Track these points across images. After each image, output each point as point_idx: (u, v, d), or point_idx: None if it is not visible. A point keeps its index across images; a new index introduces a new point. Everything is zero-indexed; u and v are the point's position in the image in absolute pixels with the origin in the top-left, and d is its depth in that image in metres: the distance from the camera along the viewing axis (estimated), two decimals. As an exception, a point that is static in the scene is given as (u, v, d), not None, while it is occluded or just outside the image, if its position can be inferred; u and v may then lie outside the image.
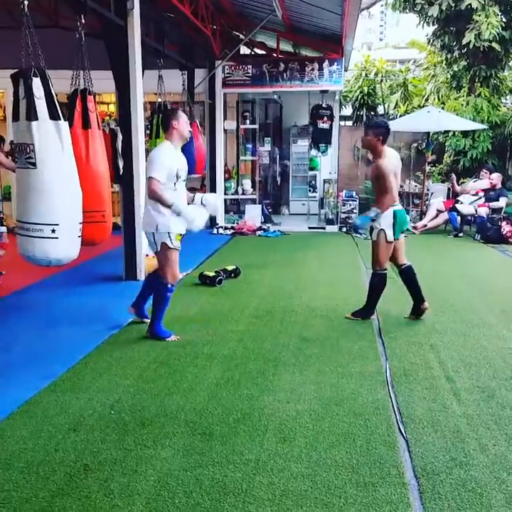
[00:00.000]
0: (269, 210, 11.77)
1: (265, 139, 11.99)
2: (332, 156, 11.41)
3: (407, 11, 13.22)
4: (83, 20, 4.88)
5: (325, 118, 10.85)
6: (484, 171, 10.50)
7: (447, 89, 13.68)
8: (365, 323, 4.97)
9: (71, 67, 4.81)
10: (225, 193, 11.04)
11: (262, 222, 10.81)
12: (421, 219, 10.97)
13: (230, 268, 6.66)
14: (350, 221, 10.40)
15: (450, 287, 6.28)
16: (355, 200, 10.83)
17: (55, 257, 3.85)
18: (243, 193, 11.40)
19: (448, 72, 13.42)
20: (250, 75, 10.38)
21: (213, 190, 10.56)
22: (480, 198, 10.09)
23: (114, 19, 5.79)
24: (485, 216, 9.79)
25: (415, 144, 13.62)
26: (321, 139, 10.97)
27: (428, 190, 11.86)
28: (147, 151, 6.84)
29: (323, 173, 11.65)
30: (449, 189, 12.14)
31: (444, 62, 13.42)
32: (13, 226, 6.80)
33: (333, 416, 3.21)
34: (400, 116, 14.12)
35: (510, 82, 13.11)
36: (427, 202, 11.51)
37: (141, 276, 6.41)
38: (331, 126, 10.89)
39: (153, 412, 3.24)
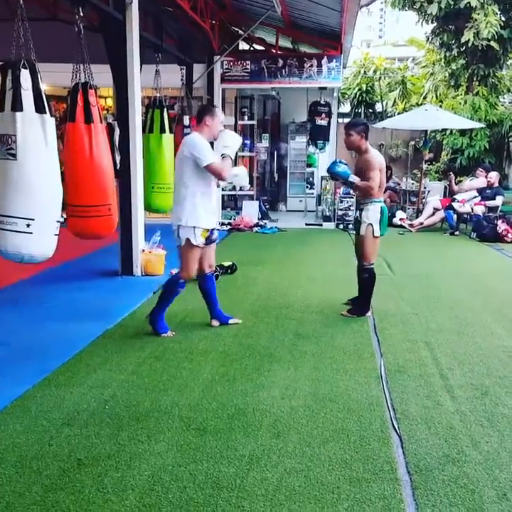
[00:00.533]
0: (267, 207, 11.77)
1: (263, 135, 11.98)
2: (330, 153, 11.41)
3: (407, 8, 13.21)
4: (82, 14, 4.86)
5: (323, 115, 10.85)
6: (480, 169, 10.52)
7: (445, 88, 13.68)
8: (361, 320, 4.98)
9: (72, 61, 4.79)
10: (222, 189, 11.03)
11: (259, 219, 10.81)
12: (417, 217, 10.98)
13: (226, 264, 6.66)
14: (346, 218, 10.39)
15: (445, 285, 6.29)
16: (352, 197, 10.83)
17: (27, 253, 3.69)
18: (240, 189, 11.40)
19: (446, 70, 13.42)
20: (249, 70, 10.36)
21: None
22: (476, 196, 10.11)
23: (112, 13, 5.76)
24: (481, 214, 9.81)
25: (413, 142, 13.64)
26: (319, 135, 10.96)
27: (425, 188, 11.87)
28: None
29: (321, 169, 11.65)
30: (445, 187, 12.16)
31: (443, 60, 13.40)
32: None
33: (328, 412, 3.22)
34: (398, 113, 14.11)
35: (508, 81, 13.10)
36: (423, 200, 11.52)
37: (138, 271, 6.41)
38: (329, 123, 10.88)
39: (148, 407, 3.24)
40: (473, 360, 4.07)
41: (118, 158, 5.97)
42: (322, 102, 10.86)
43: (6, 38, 3.79)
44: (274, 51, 10.68)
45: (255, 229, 10.22)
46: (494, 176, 10.09)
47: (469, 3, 11.26)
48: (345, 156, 11.35)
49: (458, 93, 12.97)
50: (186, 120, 8.18)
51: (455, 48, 12.62)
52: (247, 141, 11.45)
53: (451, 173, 10.99)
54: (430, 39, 13.33)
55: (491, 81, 12.46)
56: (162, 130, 6.88)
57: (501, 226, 9.37)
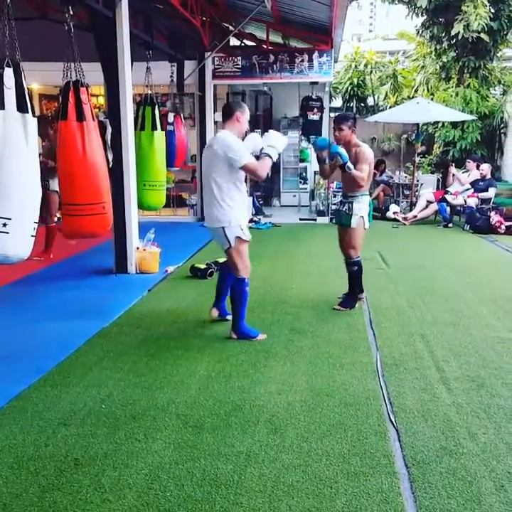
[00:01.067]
0: (260, 202, 11.75)
1: (255, 130, 11.94)
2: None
3: (396, 2, 13.22)
4: (71, 12, 4.83)
5: (315, 109, 10.82)
6: (468, 160, 10.55)
7: (436, 81, 13.69)
8: (356, 314, 4.98)
9: (64, 60, 4.76)
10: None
11: (253, 214, 10.79)
12: (411, 210, 11.00)
13: (221, 260, 6.62)
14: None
15: (440, 277, 6.30)
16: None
17: (2, 253, 3.59)
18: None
19: (437, 63, 13.43)
20: (240, 66, 10.32)
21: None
22: (468, 188, 10.14)
23: (102, 11, 5.73)
24: (474, 206, 9.84)
25: (405, 135, 13.64)
26: (311, 130, 10.93)
27: (418, 181, 11.88)
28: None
29: (314, 164, 11.63)
30: (438, 180, 12.18)
31: (433, 53, 13.42)
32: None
33: (324, 406, 3.23)
34: (390, 107, 14.13)
35: (498, 73, 13.13)
36: (416, 193, 11.54)
37: (132, 269, 6.39)
38: (321, 117, 10.85)
39: (144, 406, 3.24)
40: (469, 351, 4.08)
41: (110, 156, 5.95)
42: (314, 96, 10.83)
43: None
44: (264, 46, 10.65)
45: (249, 225, 10.18)
46: (486, 168, 10.11)
47: (459, -5, 11.29)
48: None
49: (449, 86, 12.99)
50: (170, 117, 8.15)
51: (445, 41, 12.64)
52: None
53: (452, 164, 10.98)
54: (420, 32, 13.35)
55: (481, 73, 12.49)
56: (154, 127, 6.85)
57: (494, 218, 9.39)
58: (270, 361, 3.90)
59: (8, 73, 3.57)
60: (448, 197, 10.16)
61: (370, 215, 5.06)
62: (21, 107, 3.62)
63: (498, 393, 3.40)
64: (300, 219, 10.97)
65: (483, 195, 9.91)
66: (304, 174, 12.61)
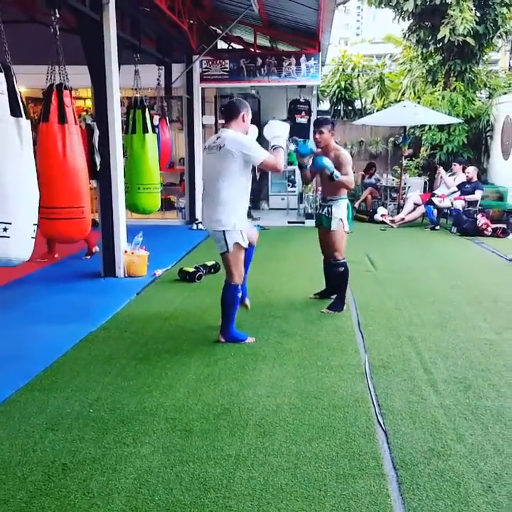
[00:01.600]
0: (249, 205, 11.75)
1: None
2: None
3: (383, 5, 13.28)
4: (58, 15, 4.81)
5: (303, 113, 10.86)
6: (454, 164, 10.65)
7: (423, 84, 13.78)
8: (345, 316, 5.00)
9: (48, 63, 4.74)
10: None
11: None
12: (398, 212, 11.06)
13: (209, 263, 6.65)
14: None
15: (427, 279, 6.34)
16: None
17: (4, 257, 3.63)
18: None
19: (423, 66, 13.52)
20: (228, 69, 10.34)
21: (192, 185, 10.52)
22: (455, 191, 10.22)
23: (89, 13, 5.72)
24: (461, 209, 9.91)
25: (392, 139, 13.72)
26: (299, 133, 10.95)
27: (405, 184, 11.96)
28: (123, 146, 6.80)
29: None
30: (425, 183, 12.26)
31: (420, 56, 13.51)
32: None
33: (313, 409, 3.23)
34: (377, 110, 14.21)
35: (484, 77, 13.24)
36: (404, 196, 11.61)
37: (120, 273, 6.37)
38: (308, 121, 10.88)
39: (133, 410, 3.22)
40: (456, 353, 4.11)
41: (98, 160, 5.93)
42: (301, 100, 10.87)
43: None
44: (252, 50, 10.67)
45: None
46: (472, 171, 10.20)
47: (445, -1, 11.38)
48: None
49: (435, 89, 13.08)
50: (155, 120, 8.15)
51: (432, 44, 12.73)
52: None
53: (441, 167, 11.06)
54: (407, 36, 13.44)
55: (467, 76, 12.59)
56: (145, 130, 6.83)
57: (481, 220, 9.47)
58: (259, 364, 3.90)
59: (0, 78, 3.56)
60: (435, 199, 10.23)
61: (350, 218, 5.13)
62: (15, 111, 3.60)
63: (485, 394, 3.42)
64: (288, 222, 11.00)
65: (470, 197, 9.99)
66: (292, 177, 12.64)
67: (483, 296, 5.60)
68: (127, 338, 4.43)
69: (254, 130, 4.38)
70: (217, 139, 4.13)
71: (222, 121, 11.89)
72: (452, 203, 10.07)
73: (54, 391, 3.47)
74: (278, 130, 4.28)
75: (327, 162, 4.81)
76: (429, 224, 10.24)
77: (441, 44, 12.28)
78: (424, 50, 13.12)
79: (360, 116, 14.61)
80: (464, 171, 10.39)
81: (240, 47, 11.50)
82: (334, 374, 3.73)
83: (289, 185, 12.52)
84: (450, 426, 3.05)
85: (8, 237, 3.59)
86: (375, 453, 2.78)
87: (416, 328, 4.66)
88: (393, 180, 12.33)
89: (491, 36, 12.36)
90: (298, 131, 10.95)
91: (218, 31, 10.75)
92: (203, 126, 11.02)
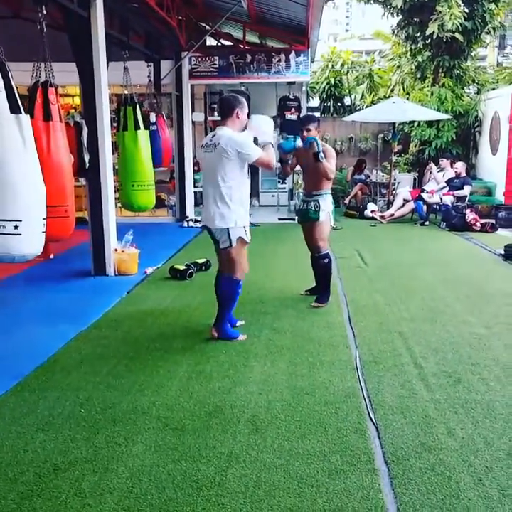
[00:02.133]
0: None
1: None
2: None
3: (372, 1, 13.29)
4: (44, 12, 4.78)
5: (292, 109, 10.86)
6: (442, 159, 10.70)
7: (412, 80, 13.81)
8: (335, 312, 5.01)
9: (33, 59, 4.71)
10: (195, 186, 10.98)
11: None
12: (388, 208, 11.09)
13: (200, 261, 6.63)
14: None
15: (417, 275, 6.37)
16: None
17: (18, 253, 3.71)
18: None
19: (412, 62, 13.54)
20: (217, 66, 10.31)
21: (182, 182, 10.49)
22: (444, 186, 10.27)
23: (76, 10, 5.68)
24: (450, 204, 9.96)
25: (381, 135, 13.74)
26: (289, 130, 10.96)
27: (395, 180, 11.99)
28: (114, 144, 6.77)
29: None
30: (415, 179, 12.30)
31: (409, 52, 13.53)
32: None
33: (305, 405, 3.24)
34: (366, 107, 14.19)
35: (472, 72, 13.29)
36: (393, 191, 11.64)
37: (111, 271, 6.35)
38: (298, 117, 10.89)
39: (124, 409, 3.22)
40: (446, 348, 4.13)
41: (87, 157, 5.90)
42: (291, 96, 10.88)
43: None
44: (241, 46, 10.65)
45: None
46: (460, 166, 10.25)
47: (433, -5, 11.41)
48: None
49: (424, 85, 13.10)
50: (153, 117, 8.11)
51: (420, 41, 12.76)
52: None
53: (432, 163, 11.09)
54: (396, 32, 13.45)
55: (456, 72, 12.62)
56: (136, 127, 6.79)
57: (470, 215, 9.51)
58: (250, 361, 3.90)
59: None
60: (424, 195, 10.27)
61: (334, 213, 5.26)
62: (13, 108, 3.59)
63: (475, 388, 3.45)
64: (279, 219, 11.00)
65: (459, 193, 10.04)
66: (283, 174, 12.62)
67: (472, 291, 5.63)
68: (118, 337, 4.41)
69: (263, 121, 4.40)
70: (213, 136, 4.14)
71: (212, 118, 11.89)
72: (441, 199, 10.12)
73: (44, 391, 3.45)
74: (264, 127, 4.30)
75: (318, 139, 4.90)
76: (419, 219, 10.28)
77: (429, 40, 12.30)
78: (413, 46, 13.14)
79: (349, 112, 14.61)
80: (452, 167, 10.44)
81: (229, 43, 11.48)
82: (325, 370, 3.74)
83: (279, 182, 12.51)
84: (441, 420, 3.06)
85: (20, 234, 3.65)
86: (367, 448, 2.79)
87: (406, 324, 4.68)
88: (383, 176, 12.36)
89: (479, 32, 12.39)
90: (288, 128, 10.97)
91: (207, 28, 10.71)
92: (193, 123, 10.99)
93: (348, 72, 15.93)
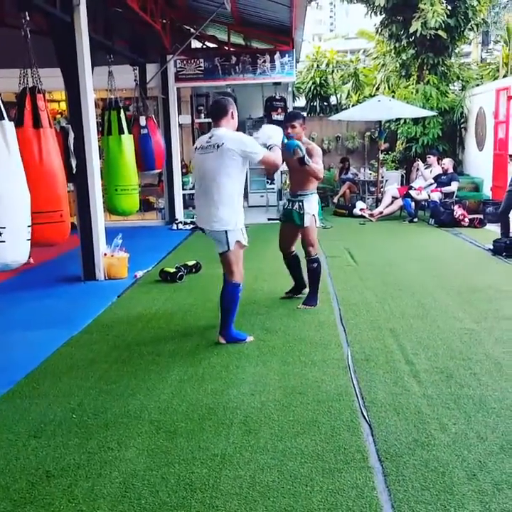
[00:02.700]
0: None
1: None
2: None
3: (355, 1, 13.35)
4: (28, 18, 4.75)
5: (279, 109, 10.89)
6: (428, 156, 10.76)
7: (397, 78, 13.88)
8: (326, 311, 5.02)
9: (20, 66, 4.69)
10: (183, 188, 10.97)
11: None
12: (377, 206, 11.13)
13: (190, 263, 6.63)
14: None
15: (407, 271, 6.39)
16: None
17: (2, 262, 3.63)
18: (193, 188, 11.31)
19: (397, 60, 13.62)
20: (203, 68, 10.31)
21: (171, 185, 10.47)
22: (432, 183, 10.32)
23: (60, 15, 5.66)
24: (438, 201, 10.01)
25: (368, 133, 13.80)
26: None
27: (383, 177, 12.04)
28: (100, 148, 6.74)
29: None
30: (402, 176, 12.35)
31: (393, 51, 13.60)
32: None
33: (298, 405, 3.24)
34: (352, 105, 14.26)
35: (457, 69, 13.38)
36: (382, 189, 11.68)
37: (101, 276, 6.32)
38: (285, 117, 10.91)
39: (117, 413, 3.20)
40: (437, 344, 4.14)
41: (74, 163, 5.88)
42: (277, 97, 10.90)
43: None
44: (226, 48, 10.65)
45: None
46: (447, 162, 10.31)
47: (416, -7, 11.46)
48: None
49: (409, 83, 13.17)
50: (142, 120, 8.09)
51: (404, 39, 12.83)
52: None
53: (419, 159, 11.13)
54: (379, 31, 13.52)
55: (440, 69, 12.70)
56: (121, 131, 6.79)
57: (458, 211, 9.56)
58: (242, 362, 3.90)
59: None
60: (412, 192, 10.31)
61: (320, 214, 5.21)
62: None
63: (466, 383, 3.46)
64: (268, 219, 10.99)
65: (447, 189, 10.09)
66: (268, 174, 12.63)
67: (461, 287, 5.66)
68: (109, 341, 4.39)
69: (271, 128, 4.46)
70: (211, 138, 4.07)
71: (199, 121, 11.85)
72: (429, 196, 10.16)
73: (36, 398, 3.43)
74: (271, 132, 4.34)
75: (300, 144, 4.84)
76: (408, 217, 10.32)
77: (413, 38, 12.37)
78: (397, 45, 13.21)
79: (336, 111, 14.66)
80: (439, 163, 10.49)
81: (214, 46, 11.48)
82: (318, 369, 3.74)
83: (267, 182, 12.52)
84: (433, 416, 3.07)
85: (4, 241, 3.59)
86: (360, 446, 2.79)
87: (397, 320, 4.69)
88: (371, 174, 12.41)
89: (462, 29, 12.49)
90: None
91: (192, 30, 10.71)
92: (180, 125, 10.98)
93: (333, 71, 15.98)
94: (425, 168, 10.66)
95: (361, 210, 10.90)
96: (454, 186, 10.11)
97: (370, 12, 13.07)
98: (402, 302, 5.20)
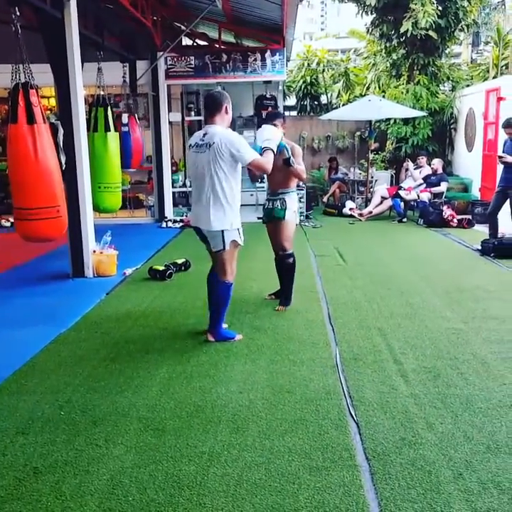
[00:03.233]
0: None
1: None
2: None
3: (346, 0, 13.35)
4: (18, 13, 4.72)
5: (269, 108, 10.86)
6: (421, 157, 10.82)
7: (387, 78, 13.91)
8: (315, 310, 5.03)
9: (11, 61, 4.66)
10: (173, 186, 10.94)
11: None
12: (366, 206, 11.17)
13: (179, 261, 6.62)
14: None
15: (395, 271, 6.43)
16: (302, 189, 10.91)
17: None
18: (191, 186, 11.30)
19: (387, 60, 13.64)
20: (193, 66, 10.28)
21: (160, 183, 10.44)
22: (421, 183, 10.38)
23: (50, 11, 5.62)
24: (427, 201, 10.06)
25: (358, 133, 13.83)
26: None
27: (372, 177, 12.07)
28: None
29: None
30: (392, 176, 12.40)
31: (384, 50, 13.62)
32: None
33: (286, 403, 3.25)
34: (343, 105, 14.29)
35: (447, 70, 13.42)
36: (371, 189, 11.72)
37: (89, 273, 6.30)
38: (275, 116, 10.90)
39: (105, 411, 3.20)
40: (425, 343, 4.17)
41: (63, 159, 5.84)
42: (268, 95, 10.89)
43: None
44: (217, 46, 10.63)
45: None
46: (437, 163, 10.36)
47: (407, -7, 11.50)
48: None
49: (400, 83, 13.21)
50: (125, 118, 8.06)
51: (395, 39, 12.85)
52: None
53: (409, 160, 11.17)
54: (370, 30, 13.53)
55: (431, 70, 12.75)
56: (107, 128, 6.77)
57: (447, 211, 9.62)
58: (231, 360, 3.90)
59: None
60: (401, 192, 10.37)
61: (298, 212, 5.27)
62: None
63: (453, 383, 3.49)
64: (258, 218, 10.96)
65: (436, 189, 10.15)
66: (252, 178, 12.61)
67: (449, 287, 5.70)
68: (98, 339, 4.38)
69: (271, 129, 4.45)
70: (204, 135, 4.04)
71: (189, 118, 11.81)
72: (418, 196, 10.22)
73: (24, 394, 3.42)
74: (270, 134, 4.32)
75: (287, 145, 4.85)
76: (397, 217, 10.37)
77: (404, 38, 12.40)
78: (388, 44, 13.24)
79: (326, 110, 14.69)
80: (428, 164, 10.55)
81: (205, 43, 11.45)
82: (306, 368, 3.76)
83: (258, 181, 12.50)
84: (420, 415, 3.10)
85: None
86: (348, 444, 2.81)
87: (385, 320, 4.72)
88: (360, 174, 12.44)
89: (452, 30, 12.54)
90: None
91: (183, 28, 10.68)
92: (170, 123, 10.94)
93: (324, 70, 16.01)
94: (415, 169, 10.72)
95: (351, 209, 10.94)
96: (443, 187, 10.17)
97: (361, 11, 13.09)
98: (391, 302, 5.23)
